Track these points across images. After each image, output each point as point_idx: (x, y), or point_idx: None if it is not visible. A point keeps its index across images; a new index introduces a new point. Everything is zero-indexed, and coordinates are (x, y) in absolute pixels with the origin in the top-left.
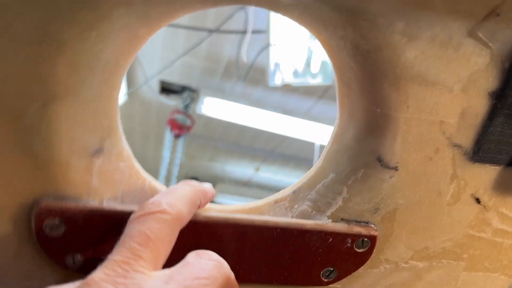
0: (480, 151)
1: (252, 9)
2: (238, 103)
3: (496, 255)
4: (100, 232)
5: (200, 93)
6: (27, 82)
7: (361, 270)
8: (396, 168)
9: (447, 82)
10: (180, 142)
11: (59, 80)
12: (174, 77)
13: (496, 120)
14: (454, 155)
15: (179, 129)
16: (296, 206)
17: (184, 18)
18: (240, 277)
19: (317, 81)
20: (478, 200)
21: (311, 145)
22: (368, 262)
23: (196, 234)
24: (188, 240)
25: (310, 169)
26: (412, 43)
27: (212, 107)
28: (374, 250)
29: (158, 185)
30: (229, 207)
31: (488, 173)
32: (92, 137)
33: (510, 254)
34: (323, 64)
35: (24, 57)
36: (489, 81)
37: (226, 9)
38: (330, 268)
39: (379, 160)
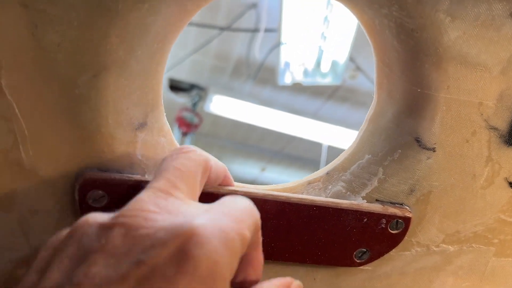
0: None
1: (264, 7)
2: (247, 101)
3: None
4: None
5: (209, 91)
6: (79, 51)
7: (392, 252)
8: (433, 149)
9: (487, 63)
10: (188, 140)
11: (110, 51)
12: (183, 75)
13: None
14: (490, 137)
15: (187, 127)
16: (330, 187)
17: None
18: (274, 254)
19: (327, 81)
20: (511, 184)
21: (318, 146)
22: (400, 244)
23: None
24: None
25: (316, 170)
26: (455, 22)
27: (220, 105)
28: (407, 232)
29: None
30: (262, 186)
31: None
32: (137, 110)
33: None
34: (334, 64)
35: (78, 25)
36: None
37: (237, 7)
38: (363, 249)
39: (417, 140)
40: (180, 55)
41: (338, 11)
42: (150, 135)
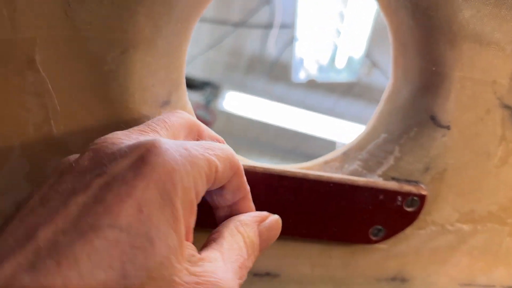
0: None
1: (279, 3)
2: (261, 98)
3: None
4: None
5: (222, 89)
6: (109, 28)
7: (407, 231)
8: (448, 127)
9: (500, 41)
10: None
11: (138, 29)
12: (197, 72)
13: None
14: (504, 116)
15: None
16: (346, 166)
17: (209, 12)
18: (292, 230)
19: (342, 77)
20: None
21: (332, 144)
22: (415, 223)
23: (254, 185)
24: None
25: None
26: (469, 1)
27: (234, 102)
28: (422, 210)
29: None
30: (280, 166)
31: None
32: (162, 88)
33: None
34: (349, 60)
35: (108, 4)
36: None
37: (251, 3)
38: (378, 226)
39: (432, 118)
40: (193, 52)
41: (354, 7)
42: None
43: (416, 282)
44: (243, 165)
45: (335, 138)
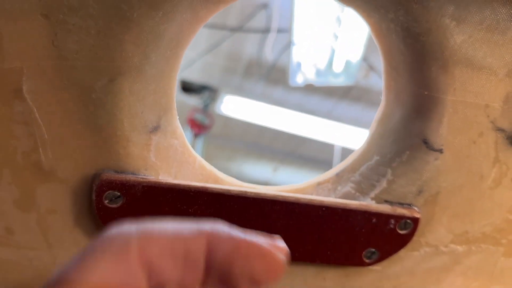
0: None
1: (276, 7)
2: (258, 102)
3: None
4: (155, 205)
5: (220, 92)
6: (96, 57)
7: (401, 252)
8: (441, 151)
9: (493, 66)
10: (200, 141)
11: (125, 57)
12: (195, 76)
13: None
14: (497, 139)
15: (198, 128)
16: (339, 188)
17: None
18: None
19: (340, 81)
20: None
21: (330, 147)
22: (409, 244)
23: (245, 209)
24: (237, 214)
25: (328, 171)
26: (460, 26)
27: (232, 106)
28: (416, 232)
29: (207, 164)
30: (272, 187)
31: None
32: (152, 114)
33: None
34: (347, 63)
35: (95, 33)
36: None
37: (248, 8)
38: (372, 249)
39: (425, 142)
40: (191, 56)
41: (350, 11)
42: (163, 138)
43: None
44: (233, 190)
45: (333, 141)
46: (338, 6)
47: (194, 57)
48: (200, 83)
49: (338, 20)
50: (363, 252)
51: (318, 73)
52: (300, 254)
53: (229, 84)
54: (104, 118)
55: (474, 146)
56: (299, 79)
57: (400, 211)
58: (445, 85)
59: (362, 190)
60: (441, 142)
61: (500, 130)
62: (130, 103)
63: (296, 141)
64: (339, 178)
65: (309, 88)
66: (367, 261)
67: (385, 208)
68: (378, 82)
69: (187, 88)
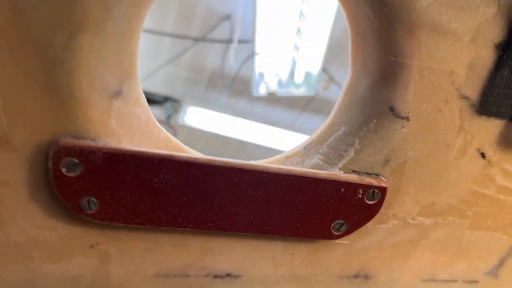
0: (486, 104)
1: (238, 19)
2: (222, 113)
3: (499, 214)
4: (117, 174)
5: (183, 103)
6: (55, 11)
7: (369, 226)
8: (407, 118)
9: (457, 31)
10: None
11: (86, 10)
12: (157, 87)
13: (501, 72)
14: (462, 107)
15: None
16: (307, 160)
17: (169, 26)
18: (253, 227)
19: (301, 91)
20: (483, 155)
21: None
22: (377, 217)
23: (212, 179)
24: (204, 184)
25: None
26: None
27: (196, 117)
28: (383, 205)
29: (173, 138)
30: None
31: (493, 127)
32: (113, 77)
33: None
34: (307, 74)
35: None
36: (496, 32)
37: (211, 19)
38: (340, 221)
39: (392, 109)
40: (153, 66)
41: (311, 22)
42: (125, 105)
43: (379, 279)
44: (200, 159)
45: None
46: (299, 18)
47: (156, 68)
48: (162, 94)
49: (299, 31)
50: (332, 224)
51: (280, 83)
52: (269, 227)
53: (192, 95)
54: (63, 78)
55: (439, 114)
56: (262, 90)
57: (368, 180)
58: (412, 50)
59: (330, 161)
60: (407, 109)
61: (464, 98)
62: (89, 62)
63: (260, 151)
64: (307, 151)
65: (272, 98)
66: (336, 233)
67: (353, 178)
68: (338, 94)
69: (149, 99)
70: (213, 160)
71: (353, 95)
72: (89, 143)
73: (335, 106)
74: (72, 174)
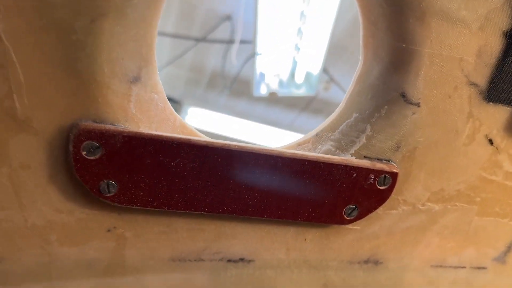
0: (494, 90)
1: (239, 19)
2: (222, 113)
3: (507, 200)
4: (136, 157)
5: (184, 104)
6: None
7: (380, 211)
8: (418, 104)
9: (466, 19)
10: None
11: None
12: None
13: (509, 59)
14: (470, 93)
15: None
16: (319, 147)
17: (170, 27)
18: (267, 211)
19: (301, 91)
20: (491, 141)
21: None
22: (387, 202)
23: (228, 163)
24: (220, 168)
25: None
26: None
27: (196, 117)
28: (394, 190)
29: (188, 125)
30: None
31: (501, 114)
32: (132, 62)
33: None
34: (307, 75)
35: None
36: (504, 20)
37: (212, 19)
38: (352, 206)
39: (403, 95)
40: None
41: (312, 23)
42: (143, 90)
43: (389, 264)
44: (216, 143)
45: None
46: (300, 18)
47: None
48: None
49: (300, 31)
50: (344, 209)
51: (281, 83)
52: (282, 212)
53: (192, 96)
54: (84, 61)
55: (449, 101)
56: (263, 90)
57: (380, 165)
58: (422, 37)
59: (342, 147)
60: (418, 96)
61: (473, 84)
62: (110, 47)
63: None
64: (318, 137)
65: (273, 98)
66: (347, 218)
67: (365, 163)
68: (338, 94)
69: None
70: (229, 145)
71: (365, 82)
72: (109, 127)
73: (346, 93)
74: (92, 157)
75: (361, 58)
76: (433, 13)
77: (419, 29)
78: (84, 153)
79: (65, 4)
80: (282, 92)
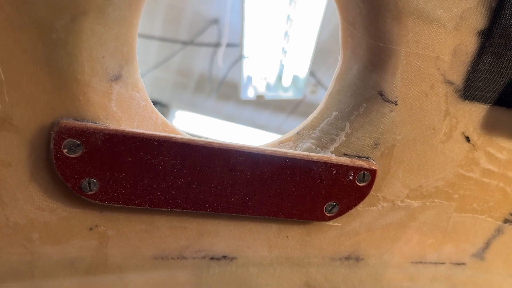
0: (470, 89)
1: (226, 23)
2: (210, 117)
3: (484, 196)
4: (117, 155)
5: (171, 107)
6: None
7: (360, 208)
8: (395, 103)
9: (442, 18)
10: None
11: None
12: None
13: (484, 58)
14: (447, 92)
15: None
16: (300, 145)
17: (157, 30)
18: (249, 208)
19: (289, 95)
20: (468, 139)
21: None
22: (367, 199)
23: (210, 161)
24: (201, 165)
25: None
26: None
27: (184, 121)
28: (373, 187)
29: (170, 123)
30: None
31: (477, 111)
32: (113, 61)
33: (496, 195)
34: (294, 78)
35: None
36: (479, 20)
37: (199, 23)
38: (332, 202)
39: (380, 94)
40: (140, 70)
41: (298, 26)
42: (124, 88)
43: (370, 260)
44: (198, 140)
45: None
46: (286, 22)
47: (144, 72)
48: (150, 99)
49: (287, 35)
50: (325, 206)
51: (268, 87)
52: (264, 209)
53: (180, 99)
54: (65, 60)
55: (426, 99)
56: (250, 93)
57: (359, 162)
58: (399, 36)
59: (322, 145)
60: (395, 94)
61: (449, 83)
62: (91, 45)
63: None
64: (299, 136)
65: (260, 101)
66: (328, 214)
67: (344, 160)
68: None
69: None
70: (210, 142)
71: (344, 81)
72: (90, 124)
73: (326, 92)
74: (73, 155)
75: (340, 58)
76: (409, 13)
77: (395, 29)
78: (65, 151)
79: (45, 2)
80: (270, 95)
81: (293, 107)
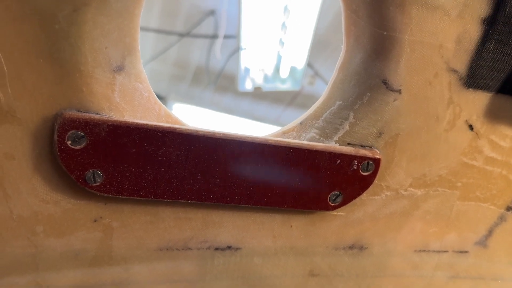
0: (473, 76)
1: (223, 14)
2: (208, 109)
3: (487, 184)
4: (121, 146)
5: (168, 100)
6: None
7: (363, 197)
8: (399, 91)
9: (445, 6)
10: None
11: None
12: None
13: (487, 45)
14: (450, 80)
15: None
16: (304, 135)
17: (153, 22)
18: (254, 198)
19: (286, 86)
20: (471, 127)
21: None
22: (370, 188)
23: (214, 151)
24: (206, 156)
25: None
26: None
27: (181, 113)
28: (376, 176)
29: (173, 114)
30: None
31: (481, 99)
32: (116, 52)
33: (499, 183)
34: (292, 69)
35: None
36: (482, 7)
37: (196, 14)
38: (336, 192)
39: (384, 82)
40: None
41: (295, 17)
42: (127, 79)
43: (373, 249)
44: (202, 131)
45: None
46: (284, 13)
47: None
48: None
49: (284, 26)
50: (329, 195)
51: (266, 78)
52: (268, 199)
53: (177, 92)
54: (67, 51)
55: (430, 87)
56: (248, 85)
57: (363, 152)
58: (403, 24)
59: (326, 134)
60: (399, 83)
61: (453, 71)
62: (94, 36)
63: None
64: (303, 126)
65: (258, 93)
66: (332, 204)
67: (348, 149)
68: (323, 88)
69: None
70: (214, 133)
71: (347, 70)
72: (94, 116)
73: (329, 81)
74: (77, 147)
75: (343, 47)
76: (413, 1)
77: (399, 17)
78: (69, 142)
79: None
80: (267, 87)
81: (291, 99)
